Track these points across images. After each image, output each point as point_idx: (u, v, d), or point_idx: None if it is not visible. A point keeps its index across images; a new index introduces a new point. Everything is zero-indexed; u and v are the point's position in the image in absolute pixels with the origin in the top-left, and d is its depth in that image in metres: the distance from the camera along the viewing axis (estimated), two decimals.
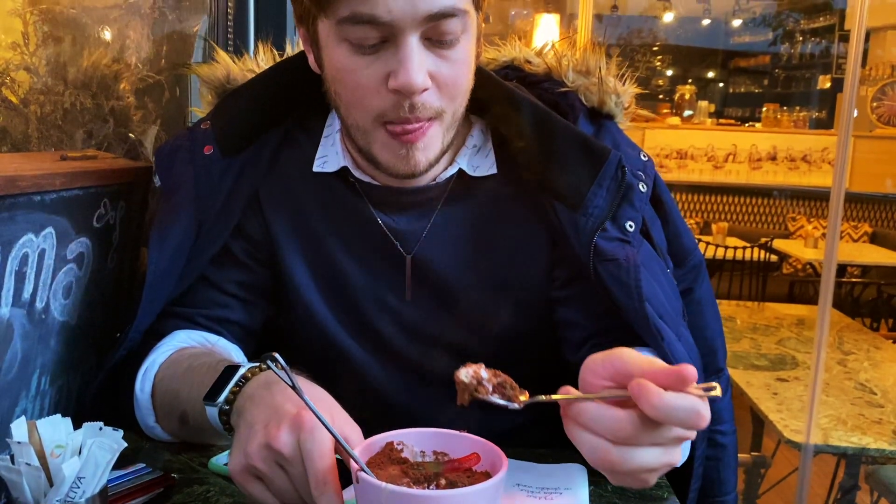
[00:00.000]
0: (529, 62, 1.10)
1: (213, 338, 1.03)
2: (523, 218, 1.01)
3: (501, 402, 0.68)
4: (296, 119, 1.06)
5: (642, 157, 1.01)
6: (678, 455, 0.64)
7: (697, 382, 0.61)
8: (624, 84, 1.06)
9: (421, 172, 0.94)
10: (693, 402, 0.60)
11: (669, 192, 1.08)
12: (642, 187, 0.97)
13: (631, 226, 0.95)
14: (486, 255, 1.02)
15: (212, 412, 0.82)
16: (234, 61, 1.13)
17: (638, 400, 0.60)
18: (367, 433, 0.74)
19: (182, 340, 1.01)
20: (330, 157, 1.03)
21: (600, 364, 0.65)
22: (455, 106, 0.92)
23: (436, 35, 0.85)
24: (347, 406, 0.78)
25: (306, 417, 0.70)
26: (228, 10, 1.43)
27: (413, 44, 0.84)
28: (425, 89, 0.86)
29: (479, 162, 1.02)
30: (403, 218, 1.01)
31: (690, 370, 0.60)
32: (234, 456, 0.74)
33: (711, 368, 1.12)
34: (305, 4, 0.89)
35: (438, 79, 0.88)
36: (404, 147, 0.90)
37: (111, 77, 1.34)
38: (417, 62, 0.84)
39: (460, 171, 1.01)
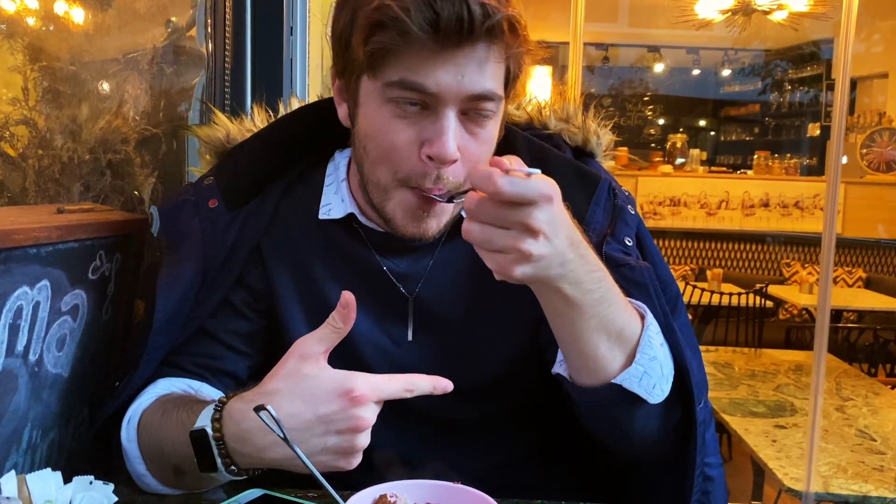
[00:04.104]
0: (510, 115, 1.14)
1: (196, 384, 1.03)
2: None
3: None
4: (296, 172, 1.09)
5: (625, 192, 1.07)
6: (528, 247, 0.73)
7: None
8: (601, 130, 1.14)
9: (430, 237, 0.97)
10: (488, 169, 0.71)
11: (647, 229, 1.12)
12: (631, 209, 1.04)
13: (629, 241, 1.01)
14: (485, 289, 1.02)
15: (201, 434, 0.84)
16: (231, 121, 1.16)
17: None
18: (360, 482, 0.73)
19: (164, 388, 1.01)
20: (335, 204, 1.05)
21: None
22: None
23: (471, 113, 0.90)
24: None
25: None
26: (226, 66, 1.46)
27: (451, 117, 0.89)
28: (455, 160, 0.90)
29: None
30: (404, 261, 1.04)
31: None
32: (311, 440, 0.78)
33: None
34: (353, 60, 0.92)
35: (465, 154, 0.91)
36: (422, 209, 0.93)
37: (109, 130, 1.36)
38: (453, 134, 0.89)
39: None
